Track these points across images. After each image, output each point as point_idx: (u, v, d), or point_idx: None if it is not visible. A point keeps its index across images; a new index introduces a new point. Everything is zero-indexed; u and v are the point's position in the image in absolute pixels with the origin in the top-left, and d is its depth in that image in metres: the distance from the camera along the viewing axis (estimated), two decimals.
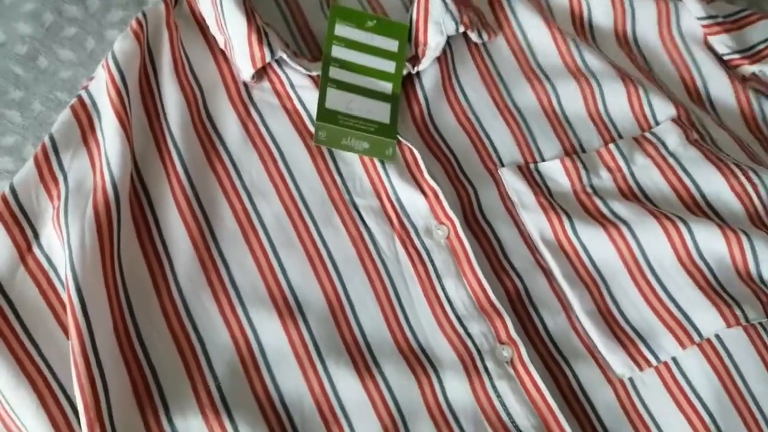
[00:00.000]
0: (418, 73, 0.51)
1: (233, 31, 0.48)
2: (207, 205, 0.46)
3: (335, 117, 0.47)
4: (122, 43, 0.48)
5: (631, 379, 0.44)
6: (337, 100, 0.48)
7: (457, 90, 0.52)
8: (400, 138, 0.48)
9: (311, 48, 0.53)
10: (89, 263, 0.41)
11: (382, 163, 0.48)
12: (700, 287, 0.45)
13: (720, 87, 0.53)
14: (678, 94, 0.53)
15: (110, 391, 0.40)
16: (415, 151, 0.48)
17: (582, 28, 0.54)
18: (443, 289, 0.46)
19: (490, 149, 0.50)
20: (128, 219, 0.45)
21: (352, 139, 0.48)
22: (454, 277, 0.46)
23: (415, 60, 0.51)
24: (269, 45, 0.48)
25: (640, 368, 0.44)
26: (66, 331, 0.42)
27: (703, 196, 0.48)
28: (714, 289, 0.45)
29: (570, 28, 0.54)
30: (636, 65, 0.53)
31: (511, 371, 0.44)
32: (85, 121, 0.46)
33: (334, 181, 0.48)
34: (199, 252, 0.45)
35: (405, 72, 0.50)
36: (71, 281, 0.41)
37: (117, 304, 0.42)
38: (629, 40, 0.54)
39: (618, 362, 0.44)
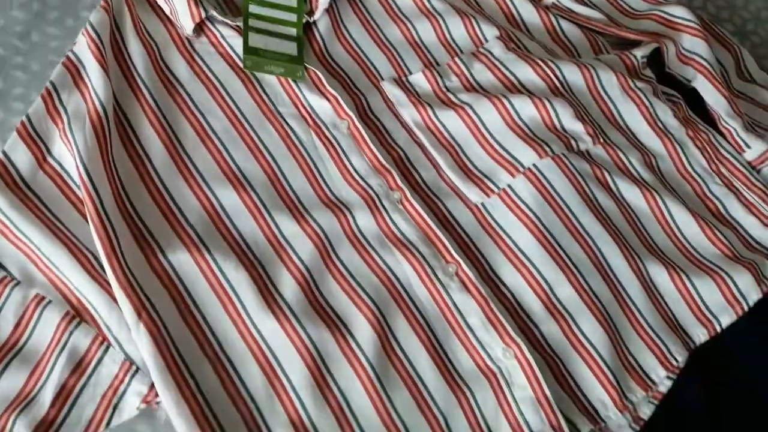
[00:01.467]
0: (314, 21, 0.71)
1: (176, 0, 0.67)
2: (172, 123, 0.64)
3: (257, 51, 0.67)
4: (95, 16, 0.66)
5: (483, 204, 0.64)
6: (257, 40, 0.67)
7: (344, 31, 0.72)
8: (306, 65, 0.68)
9: (233, 11, 0.73)
10: (92, 156, 0.59)
11: (296, 82, 0.67)
12: (521, 137, 0.65)
13: (529, 13, 0.75)
14: (500, 21, 0.75)
15: (120, 240, 0.56)
16: (318, 72, 0.67)
17: None
18: (348, 160, 0.65)
19: (372, 69, 0.70)
20: (115, 133, 0.62)
21: (272, 66, 0.67)
22: (355, 152, 0.65)
23: (311, 12, 0.71)
24: (203, 6, 0.67)
25: (488, 195, 0.63)
26: (79, 212, 0.59)
27: (519, 81, 0.69)
28: (530, 137, 0.65)
29: None
30: (467, 3, 0.75)
31: (401, 207, 0.62)
32: (74, 71, 0.64)
33: (263, 99, 0.67)
34: (170, 152, 0.63)
35: (304, 21, 0.70)
36: (83, 169, 0.58)
37: (114, 185, 0.59)
38: None
39: (473, 193, 0.64)
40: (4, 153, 0.59)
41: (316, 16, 0.71)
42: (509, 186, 0.64)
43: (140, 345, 0.52)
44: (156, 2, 0.69)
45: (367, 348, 0.55)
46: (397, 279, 0.59)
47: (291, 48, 0.69)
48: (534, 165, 0.64)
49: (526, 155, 0.64)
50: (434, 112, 0.68)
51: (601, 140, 0.66)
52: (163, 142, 0.63)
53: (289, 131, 0.66)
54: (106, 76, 0.63)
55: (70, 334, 0.53)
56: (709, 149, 0.68)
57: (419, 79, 0.70)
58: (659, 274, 0.61)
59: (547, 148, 0.64)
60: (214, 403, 0.51)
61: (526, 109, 0.66)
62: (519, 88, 0.69)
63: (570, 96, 0.69)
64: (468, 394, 0.55)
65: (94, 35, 0.64)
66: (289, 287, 0.57)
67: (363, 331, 0.55)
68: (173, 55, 0.68)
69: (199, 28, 0.68)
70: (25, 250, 0.57)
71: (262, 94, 0.67)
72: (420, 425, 0.53)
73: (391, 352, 0.55)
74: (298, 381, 0.53)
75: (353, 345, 0.55)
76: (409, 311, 0.57)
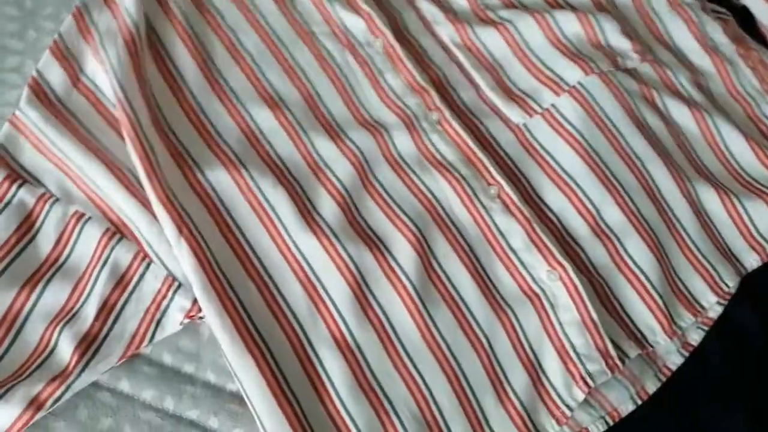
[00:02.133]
0: None
1: None
2: (203, 40, 0.62)
3: None
4: None
5: (525, 125, 0.62)
6: None
7: None
8: None
9: None
10: (126, 73, 0.57)
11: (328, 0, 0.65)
12: (565, 55, 0.63)
13: None
14: None
15: (158, 158, 0.55)
16: None
17: None
18: (384, 80, 0.63)
19: None
20: (147, 52, 0.61)
21: None
22: (391, 71, 0.63)
23: None
24: None
25: (530, 115, 0.61)
26: (115, 130, 0.58)
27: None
28: (574, 53, 0.63)
29: None
30: None
31: (440, 128, 0.61)
32: None
33: (295, 18, 0.65)
34: (203, 71, 0.61)
35: None
36: (117, 87, 0.56)
37: (149, 103, 0.58)
38: None
39: (514, 114, 0.62)
40: (38, 71, 0.58)
41: None
42: (553, 105, 0.61)
43: (182, 260, 0.52)
44: None
45: (408, 268, 0.54)
46: (437, 201, 0.58)
47: None
48: (579, 83, 0.61)
49: (571, 73, 0.62)
50: (473, 30, 0.65)
51: (649, 57, 0.63)
52: (195, 60, 0.61)
53: (323, 51, 0.64)
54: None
55: (112, 249, 0.53)
56: (760, 68, 0.65)
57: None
58: (709, 198, 0.59)
59: (593, 65, 0.62)
60: (257, 319, 0.51)
61: (569, 25, 0.64)
62: (562, 4, 0.66)
63: (615, 12, 0.66)
64: (511, 315, 0.54)
65: None
66: (327, 207, 0.56)
67: (403, 251, 0.55)
68: None
69: None
70: (62, 167, 0.56)
71: (294, 13, 0.65)
72: (462, 344, 0.53)
73: (432, 273, 0.54)
74: (339, 299, 0.52)
75: (394, 265, 0.54)
76: (450, 233, 0.56)
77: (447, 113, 0.61)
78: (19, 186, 0.55)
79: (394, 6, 0.67)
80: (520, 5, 0.67)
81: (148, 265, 0.53)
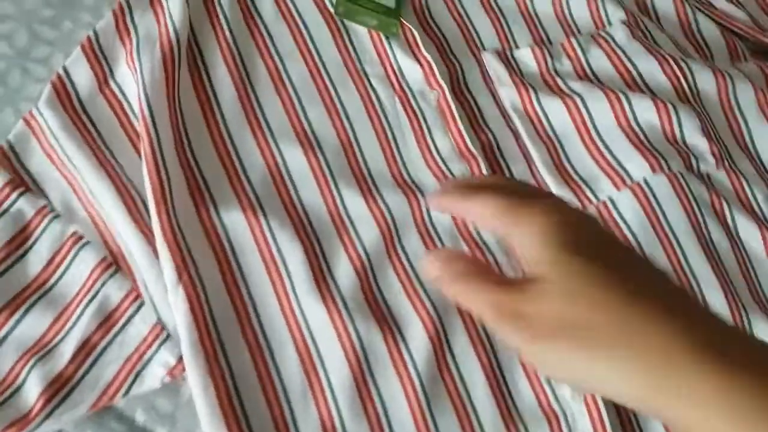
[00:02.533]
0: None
1: None
2: (247, 62, 0.58)
3: None
4: None
5: None
6: None
7: None
8: (402, 20, 0.60)
9: None
10: (157, 88, 0.53)
11: (387, 39, 0.60)
12: (634, 144, 0.57)
13: (663, 1, 0.65)
14: (628, 4, 0.65)
15: (172, 187, 0.51)
16: (414, 31, 0.60)
17: None
18: (432, 138, 0.57)
19: (475, 36, 0.62)
20: (185, 65, 0.56)
21: (365, 16, 0.59)
22: (441, 130, 0.57)
23: None
24: None
25: (583, 205, 0.56)
26: (135, 147, 0.54)
27: (641, 76, 0.60)
28: (645, 146, 0.57)
29: None
30: None
31: None
32: None
33: (349, 52, 0.59)
34: (240, 97, 0.56)
35: None
36: (144, 102, 0.52)
37: (176, 125, 0.53)
38: None
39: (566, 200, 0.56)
40: (65, 69, 0.54)
41: None
42: (610, 199, 0.55)
43: (176, 310, 0.48)
44: None
45: (419, 358, 0.49)
46: None
47: (389, 0, 0.61)
48: (644, 180, 0.55)
49: (637, 166, 0.56)
50: (537, 97, 0.59)
51: (726, 164, 0.57)
52: (235, 84, 0.56)
53: (371, 94, 0.58)
54: (186, 3, 0.56)
55: (103, 283, 0.49)
56: None
57: (526, 56, 0.61)
58: (765, 336, 0.52)
59: (663, 163, 0.55)
60: (245, 392, 0.46)
61: (645, 112, 0.57)
62: (640, 86, 0.60)
63: (698, 106, 0.59)
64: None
65: None
66: (344, 272, 0.51)
67: (418, 338, 0.49)
68: None
69: None
70: (70, 180, 0.52)
71: (349, 47, 0.60)
72: None
73: (444, 368, 0.49)
74: (338, 383, 0.47)
75: (404, 352, 0.49)
76: (473, 325, 0.51)
77: None
78: (20, 194, 0.51)
79: (456, 56, 0.61)
80: (594, 78, 0.60)
81: (140, 307, 0.48)
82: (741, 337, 0.29)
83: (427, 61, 0.58)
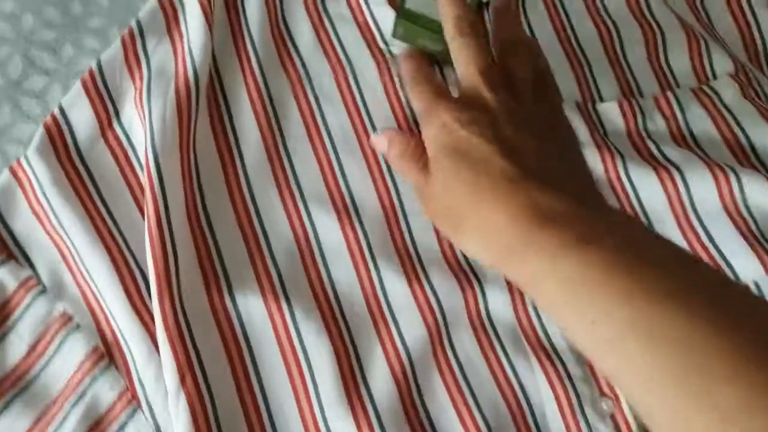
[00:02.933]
0: (488, 3, 0.52)
1: None
2: (278, 105, 0.48)
3: (415, 17, 0.48)
4: None
5: None
6: (417, 3, 0.49)
7: (522, 19, 0.53)
8: None
9: None
10: (168, 141, 0.44)
11: (446, 82, 0.50)
12: (743, 235, 0.46)
13: None
14: (737, 52, 0.54)
15: (179, 264, 0.42)
16: None
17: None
18: None
19: None
20: (204, 107, 0.47)
21: (427, 40, 0.49)
22: None
23: None
24: None
25: None
26: (139, 206, 0.45)
27: (753, 149, 0.49)
28: (756, 238, 0.46)
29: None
30: (698, 19, 0.54)
31: None
32: (170, 11, 0.48)
33: (398, 99, 0.50)
34: (268, 147, 0.47)
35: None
36: (151, 156, 0.43)
37: (189, 183, 0.45)
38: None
39: None
40: (62, 109, 0.45)
41: None
42: None
43: (176, 421, 0.39)
44: None
45: None
46: (526, 398, 0.43)
47: None
48: (755, 282, 0.45)
49: (747, 264, 0.45)
50: (624, 165, 0.49)
51: None
52: (262, 132, 0.47)
53: None
54: (209, 29, 0.47)
55: (93, 379, 0.41)
56: None
57: (611, 111, 0.51)
58: None
59: None
60: None
61: (759, 194, 0.47)
62: (752, 160, 0.49)
63: None
64: None
65: None
66: (380, 376, 0.42)
67: None
68: (298, 11, 0.51)
69: None
70: (60, 246, 0.44)
71: (399, 92, 0.50)
72: None
73: None
74: None
75: None
76: None
77: None
78: (1, 262, 0.42)
79: None
80: (694, 145, 0.50)
81: (134, 412, 0.40)
82: (605, 223, 0.32)
83: None
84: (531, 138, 0.36)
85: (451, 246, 0.47)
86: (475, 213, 0.34)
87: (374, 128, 0.49)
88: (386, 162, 0.48)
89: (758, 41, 0.54)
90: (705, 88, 0.51)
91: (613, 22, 0.53)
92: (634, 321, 0.28)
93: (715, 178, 0.47)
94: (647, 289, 0.28)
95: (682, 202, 0.48)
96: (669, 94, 0.51)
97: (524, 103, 0.39)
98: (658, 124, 0.51)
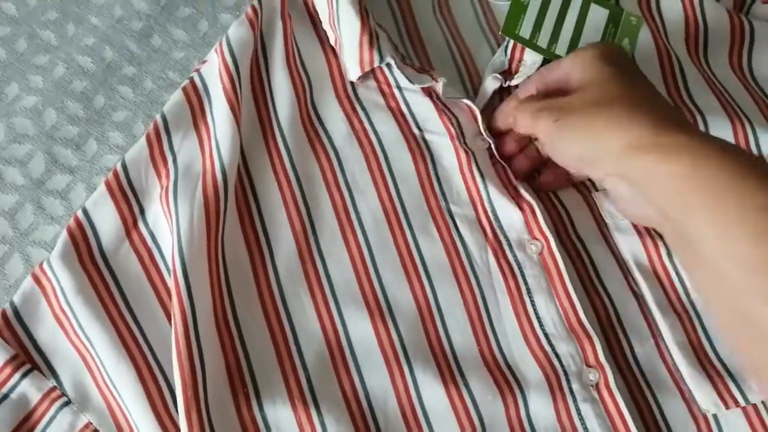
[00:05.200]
0: (512, 85, 0.51)
1: (345, 31, 0.48)
2: (310, 199, 0.47)
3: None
4: (237, 30, 0.48)
5: (715, 416, 0.43)
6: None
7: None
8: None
9: (418, 53, 0.53)
10: (196, 246, 0.42)
11: (481, 174, 0.48)
12: None
13: None
14: None
15: (207, 372, 0.41)
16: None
17: (696, 52, 0.53)
18: (533, 305, 0.45)
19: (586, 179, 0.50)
20: (233, 205, 0.46)
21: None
22: (545, 293, 0.45)
23: (508, 74, 0.50)
24: (379, 49, 0.47)
25: (727, 406, 0.43)
26: (165, 310, 0.44)
27: None
28: None
29: (682, 50, 0.53)
30: (751, 96, 0.52)
31: (596, 395, 0.43)
32: (196, 104, 0.47)
33: (432, 187, 0.48)
34: (299, 245, 0.45)
35: (497, 85, 0.50)
36: (178, 262, 0.42)
37: (218, 287, 0.43)
38: (744, 68, 0.53)
39: (704, 397, 0.43)
40: (85, 212, 0.44)
41: (516, 80, 0.50)
42: (764, 403, 0.43)
43: None
44: (318, 16, 0.51)
45: None
46: None
47: None
48: None
49: None
50: (668, 252, 0.46)
51: None
52: (293, 229, 0.46)
53: (458, 242, 0.47)
54: (236, 123, 0.46)
55: None
56: None
57: None
58: None
59: None
60: None
61: None
62: None
63: None
64: None
65: (230, 60, 0.47)
66: None
67: None
68: (329, 99, 0.49)
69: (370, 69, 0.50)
70: (85, 355, 0.42)
71: (434, 180, 0.48)
72: None
73: None
74: None
75: None
76: None
77: (611, 377, 0.43)
78: (24, 374, 0.41)
79: (560, 200, 0.49)
80: None
81: None
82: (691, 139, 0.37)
83: (529, 204, 0.46)
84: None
85: (489, 347, 0.44)
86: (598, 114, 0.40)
87: (408, 221, 0.47)
88: (420, 258, 0.46)
89: None
90: None
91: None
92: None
93: None
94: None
95: None
96: None
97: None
98: None
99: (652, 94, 0.41)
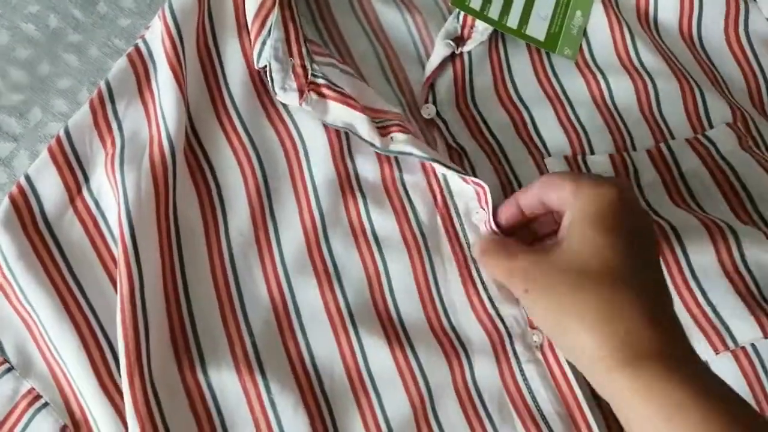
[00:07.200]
0: (464, 52, 0.50)
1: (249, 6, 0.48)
2: (266, 162, 0.46)
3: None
4: None
5: None
6: None
7: (506, 74, 0.51)
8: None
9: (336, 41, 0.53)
10: (144, 211, 0.42)
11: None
12: (742, 296, 0.44)
13: None
14: (739, 98, 0.52)
15: (150, 339, 0.41)
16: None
17: (647, 23, 0.53)
18: (477, 270, 0.46)
19: (536, 138, 0.50)
20: (185, 171, 0.45)
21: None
22: None
23: (460, 40, 0.50)
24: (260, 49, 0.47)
25: None
26: (110, 277, 0.43)
27: (753, 202, 0.47)
28: (756, 299, 0.44)
29: (634, 21, 0.53)
30: (699, 65, 0.52)
31: (540, 356, 0.44)
32: (141, 70, 0.47)
33: (388, 158, 0.48)
34: (253, 208, 0.45)
35: (449, 51, 0.50)
36: (127, 228, 0.41)
37: (168, 253, 0.43)
38: (693, 38, 0.53)
39: None
40: (28, 179, 0.43)
41: (468, 47, 0.50)
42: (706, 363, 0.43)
43: None
44: None
45: None
46: None
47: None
48: (753, 345, 0.43)
49: (745, 328, 0.43)
50: None
51: None
52: (248, 192, 0.45)
53: (408, 208, 0.47)
54: (180, 89, 0.45)
55: None
56: None
57: (602, 165, 0.48)
58: None
59: None
60: None
61: (758, 253, 0.45)
62: (752, 215, 0.47)
63: None
64: None
65: (171, 24, 0.46)
66: None
67: None
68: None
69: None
70: (28, 323, 0.42)
71: (392, 158, 0.48)
72: None
73: None
74: None
75: None
76: None
77: None
78: None
79: (510, 161, 0.49)
80: (690, 198, 0.48)
81: None
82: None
83: (481, 186, 0.46)
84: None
85: (436, 313, 0.45)
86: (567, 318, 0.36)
87: (362, 192, 0.46)
88: (371, 225, 0.46)
89: (762, 86, 0.52)
90: (701, 137, 0.49)
91: (601, 71, 0.51)
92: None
93: (712, 238, 0.45)
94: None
95: (678, 262, 0.45)
96: (662, 145, 0.49)
97: None
98: (651, 178, 0.48)
99: (642, 276, 0.37)
